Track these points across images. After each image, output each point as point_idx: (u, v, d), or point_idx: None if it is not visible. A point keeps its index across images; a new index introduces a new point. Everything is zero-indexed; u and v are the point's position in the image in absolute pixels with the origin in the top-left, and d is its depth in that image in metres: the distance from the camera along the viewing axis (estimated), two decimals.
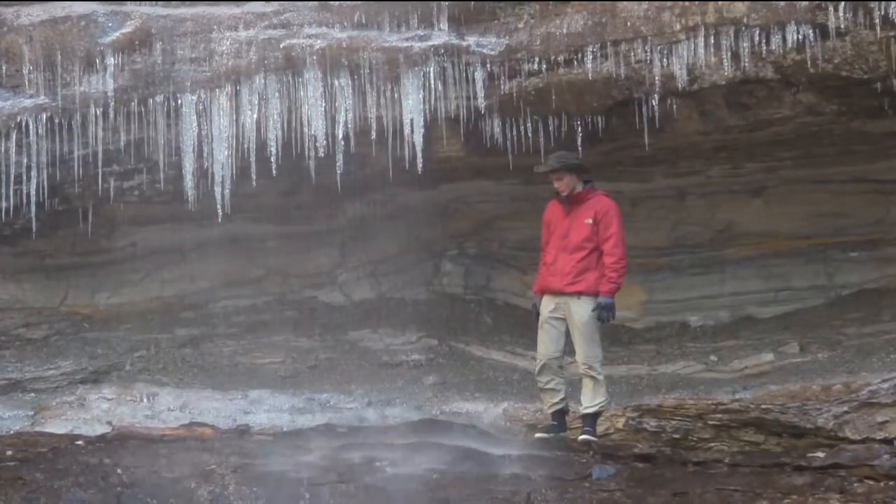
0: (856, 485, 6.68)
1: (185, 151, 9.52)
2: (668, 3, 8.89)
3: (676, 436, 7.98)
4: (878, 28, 8.36)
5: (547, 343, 8.26)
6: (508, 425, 9.20)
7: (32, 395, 10.02)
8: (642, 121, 9.24)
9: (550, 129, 9.48)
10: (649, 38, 8.94)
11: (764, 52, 8.73)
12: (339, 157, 9.37)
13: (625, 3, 9.01)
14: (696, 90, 9.11)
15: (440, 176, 10.31)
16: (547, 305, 8.30)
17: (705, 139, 9.88)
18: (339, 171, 9.37)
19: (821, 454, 7.19)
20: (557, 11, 9.25)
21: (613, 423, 8.37)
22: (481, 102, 9.39)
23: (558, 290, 8.21)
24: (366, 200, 11.14)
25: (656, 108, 9.19)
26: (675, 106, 9.21)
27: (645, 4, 8.95)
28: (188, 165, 9.52)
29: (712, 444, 7.86)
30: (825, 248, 11.14)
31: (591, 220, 8.17)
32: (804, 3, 8.53)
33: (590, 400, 8.15)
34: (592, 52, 9.08)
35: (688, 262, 11.42)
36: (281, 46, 9.42)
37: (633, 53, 9.01)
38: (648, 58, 8.98)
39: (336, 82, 9.38)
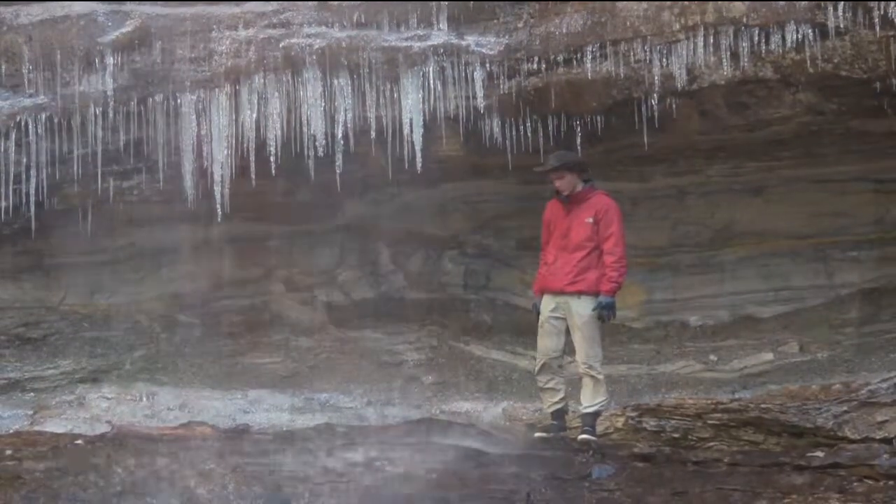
0: (855, 484, 6.67)
1: (185, 151, 9.52)
2: (668, 3, 8.88)
3: (676, 435, 7.97)
4: (878, 28, 8.35)
5: (547, 342, 8.26)
6: (508, 425, 9.19)
7: (32, 394, 10.00)
8: (642, 120, 9.23)
9: (550, 128, 9.48)
10: (649, 37, 8.93)
11: (763, 51, 8.72)
12: (339, 157, 9.37)
13: (624, 2, 9.00)
14: (696, 90, 9.10)
15: (440, 175, 10.29)
16: (547, 305, 8.29)
17: (705, 139, 9.87)
18: (338, 171, 9.37)
19: (820, 454, 7.19)
20: (557, 11, 9.24)
21: (613, 423, 8.36)
22: (481, 102, 9.38)
23: (558, 289, 8.21)
24: (366, 200, 11.14)
25: (656, 107, 9.18)
26: (674, 105, 9.20)
27: (644, 4, 8.94)
28: (188, 165, 9.52)
29: (712, 444, 7.85)
30: (825, 248, 11.12)
31: (591, 220, 8.17)
32: (804, 2, 8.52)
33: (590, 399, 8.15)
34: (592, 51, 9.08)
35: (687, 261, 11.39)
36: (280, 46, 9.41)
37: (632, 53, 9.01)
38: (648, 57, 8.97)
39: (335, 82, 9.38)
